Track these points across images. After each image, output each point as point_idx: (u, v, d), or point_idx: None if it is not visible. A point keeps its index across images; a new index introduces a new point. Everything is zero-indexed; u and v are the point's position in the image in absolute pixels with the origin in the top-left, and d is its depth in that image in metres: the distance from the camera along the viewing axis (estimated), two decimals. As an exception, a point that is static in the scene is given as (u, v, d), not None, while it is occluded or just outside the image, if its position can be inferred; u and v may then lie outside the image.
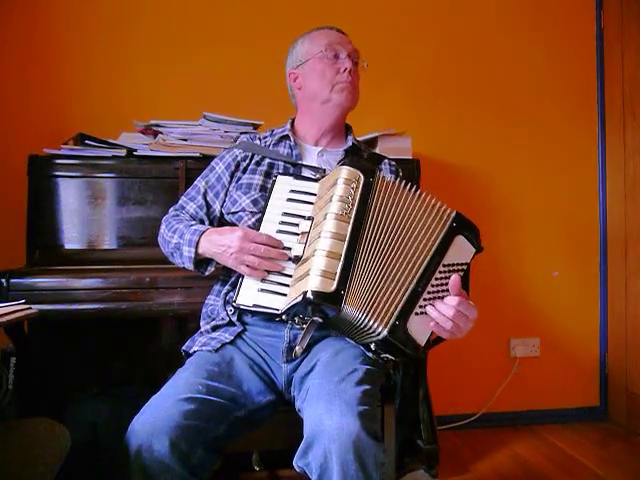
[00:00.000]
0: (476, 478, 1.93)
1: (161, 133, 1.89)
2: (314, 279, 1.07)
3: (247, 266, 1.18)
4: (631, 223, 2.35)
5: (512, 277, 2.42)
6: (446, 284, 1.14)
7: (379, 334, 1.10)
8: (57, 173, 1.82)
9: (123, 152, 1.84)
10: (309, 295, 1.05)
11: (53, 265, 1.69)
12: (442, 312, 1.11)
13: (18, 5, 2.08)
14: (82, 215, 1.82)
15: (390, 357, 1.16)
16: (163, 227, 1.37)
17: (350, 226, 1.12)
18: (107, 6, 2.14)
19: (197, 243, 1.25)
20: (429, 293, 1.14)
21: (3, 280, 1.54)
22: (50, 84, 2.10)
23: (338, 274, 1.08)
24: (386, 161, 1.48)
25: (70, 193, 1.82)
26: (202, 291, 1.38)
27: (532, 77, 2.43)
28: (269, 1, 2.25)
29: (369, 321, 1.09)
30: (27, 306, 1.23)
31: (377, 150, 1.97)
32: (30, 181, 1.81)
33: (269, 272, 1.18)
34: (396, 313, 1.10)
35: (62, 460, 1.02)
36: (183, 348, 1.30)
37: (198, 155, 1.85)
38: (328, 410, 1.00)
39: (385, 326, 1.09)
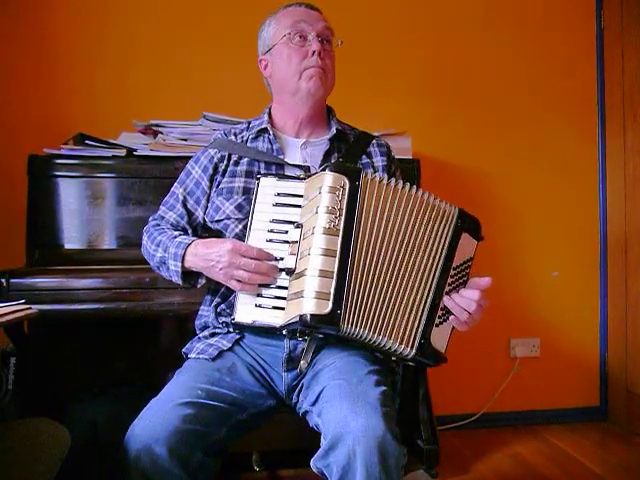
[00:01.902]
0: (476, 478, 1.93)
1: (161, 133, 1.89)
2: (308, 302, 1.04)
3: (238, 281, 1.12)
4: (631, 223, 2.35)
5: (512, 277, 2.41)
6: (457, 285, 1.12)
7: (407, 355, 1.09)
8: (57, 173, 1.82)
9: (123, 152, 1.84)
10: (305, 319, 1.03)
11: (53, 265, 1.69)
12: (463, 307, 1.10)
13: (18, 6, 2.08)
14: (82, 215, 1.82)
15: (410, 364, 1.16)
16: (145, 239, 1.30)
17: (340, 239, 1.06)
18: (107, 7, 2.14)
19: (183, 257, 1.18)
20: (443, 302, 1.12)
21: (3, 280, 1.54)
22: (50, 84, 2.10)
23: (332, 294, 1.04)
24: (374, 142, 1.38)
25: (70, 193, 1.82)
26: (202, 291, 1.37)
27: (532, 77, 2.43)
28: (269, 1, 2.25)
29: (387, 341, 1.08)
30: (27, 306, 1.23)
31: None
32: (30, 181, 1.81)
33: (263, 286, 1.13)
34: (420, 332, 1.09)
35: (62, 460, 1.02)
36: (183, 350, 1.28)
37: (198, 155, 1.85)
38: (353, 412, 0.98)
39: (411, 347, 1.09)
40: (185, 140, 1.88)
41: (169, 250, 1.21)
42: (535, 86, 2.44)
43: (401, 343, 1.09)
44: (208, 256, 1.15)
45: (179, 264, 1.19)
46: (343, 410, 1.00)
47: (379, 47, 2.30)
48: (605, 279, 2.48)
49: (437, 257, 1.11)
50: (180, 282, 1.23)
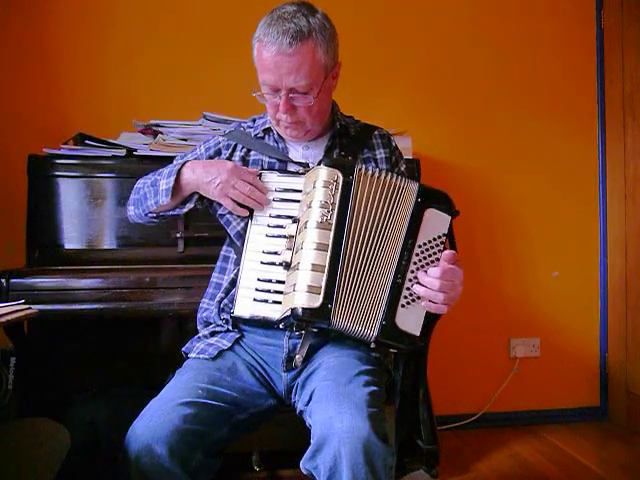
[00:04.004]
0: (476, 478, 1.93)
1: (161, 133, 1.89)
2: (300, 295, 1.05)
3: (231, 200, 1.17)
4: (631, 223, 2.35)
5: (512, 277, 2.42)
6: (427, 263, 1.11)
7: (370, 337, 1.10)
8: (57, 173, 1.81)
9: (123, 152, 1.83)
10: (297, 312, 1.05)
11: (53, 265, 1.69)
12: (429, 286, 1.10)
13: (19, 6, 2.08)
14: (82, 215, 1.82)
15: (393, 351, 1.15)
16: (135, 187, 1.35)
17: (332, 233, 1.08)
18: (108, 7, 2.14)
19: (179, 172, 1.20)
20: (411, 281, 1.11)
21: (3, 280, 1.54)
22: (50, 84, 2.10)
23: (323, 288, 1.06)
24: (376, 133, 1.37)
25: (70, 193, 1.82)
26: (202, 291, 1.37)
27: (532, 77, 2.43)
28: (269, 2, 2.25)
29: (356, 328, 1.08)
30: (27, 306, 1.23)
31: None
32: (30, 181, 1.81)
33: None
34: (381, 313, 1.09)
35: (62, 460, 1.02)
36: (183, 349, 1.29)
37: (198, 155, 1.84)
38: (338, 412, 0.99)
39: (372, 329, 1.09)
40: (185, 140, 1.88)
41: (163, 172, 1.24)
42: (535, 86, 2.43)
43: (365, 327, 1.09)
44: (209, 169, 1.19)
45: (172, 179, 1.21)
46: (329, 411, 1.00)
47: (379, 47, 2.30)
48: (605, 279, 2.48)
49: (398, 236, 1.12)
50: (167, 200, 1.22)
